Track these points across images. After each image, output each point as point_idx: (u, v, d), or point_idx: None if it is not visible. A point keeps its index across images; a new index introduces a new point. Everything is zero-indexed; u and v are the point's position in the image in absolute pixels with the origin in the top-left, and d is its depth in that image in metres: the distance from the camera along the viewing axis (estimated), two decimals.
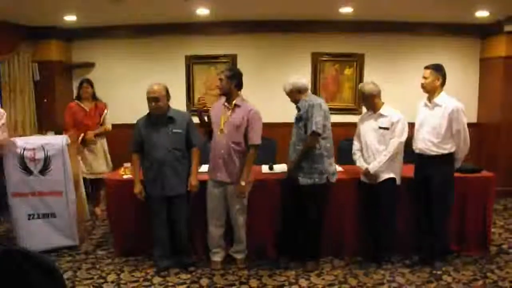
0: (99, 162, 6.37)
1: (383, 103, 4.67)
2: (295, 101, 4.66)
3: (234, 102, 4.57)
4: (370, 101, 4.67)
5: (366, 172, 4.66)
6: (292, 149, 4.65)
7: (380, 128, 4.59)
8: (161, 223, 4.62)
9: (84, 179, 6.02)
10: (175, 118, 4.56)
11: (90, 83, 6.35)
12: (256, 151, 4.59)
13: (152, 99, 4.43)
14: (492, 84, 7.38)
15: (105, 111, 6.41)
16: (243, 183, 4.51)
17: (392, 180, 4.64)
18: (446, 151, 4.52)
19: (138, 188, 4.59)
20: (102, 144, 6.46)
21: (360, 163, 4.79)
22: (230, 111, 4.56)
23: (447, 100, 4.49)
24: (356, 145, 4.90)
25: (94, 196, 6.60)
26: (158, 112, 4.50)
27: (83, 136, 6.16)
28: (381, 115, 4.61)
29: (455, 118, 4.43)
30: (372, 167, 4.59)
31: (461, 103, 4.49)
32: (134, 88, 6.24)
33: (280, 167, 5.25)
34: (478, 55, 7.64)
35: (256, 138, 4.54)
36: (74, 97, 6.47)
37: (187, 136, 4.58)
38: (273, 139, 5.95)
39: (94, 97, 6.38)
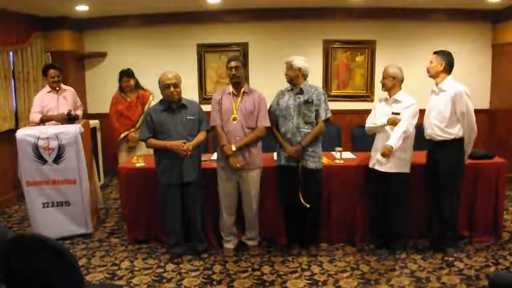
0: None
1: (400, 89, 4.61)
2: (292, 81, 4.67)
3: (242, 89, 4.64)
4: (388, 83, 4.58)
5: (389, 149, 4.32)
6: (295, 132, 4.58)
7: (393, 113, 4.54)
8: (175, 210, 4.65)
9: None
10: (187, 105, 4.62)
11: (128, 74, 5.86)
12: (264, 133, 4.63)
13: (172, 85, 4.47)
14: (504, 70, 7.31)
15: (150, 99, 5.91)
16: (233, 148, 4.51)
17: (405, 174, 4.61)
18: (452, 136, 4.49)
19: (177, 143, 4.45)
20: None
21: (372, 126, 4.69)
22: (239, 98, 4.61)
23: (451, 85, 4.46)
24: (369, 122, 4.78)
25: None
26: (177, 98, 4.54)
27: (127, 134, 5.85)
28: (396, 101, 4.56)
29: (458, 101, 4.39)
30: (394, 142, 4.32)
31: (465, 87, 4.43)
32: (146, 77, 6.20)
33: None
34: (490, 41, 7.58)
35: (265, 120, 4.62)
36: (117, 89, 6.00)
37: (198, 123, 4.65)
38: None
39: (137, 87, 5.97)
